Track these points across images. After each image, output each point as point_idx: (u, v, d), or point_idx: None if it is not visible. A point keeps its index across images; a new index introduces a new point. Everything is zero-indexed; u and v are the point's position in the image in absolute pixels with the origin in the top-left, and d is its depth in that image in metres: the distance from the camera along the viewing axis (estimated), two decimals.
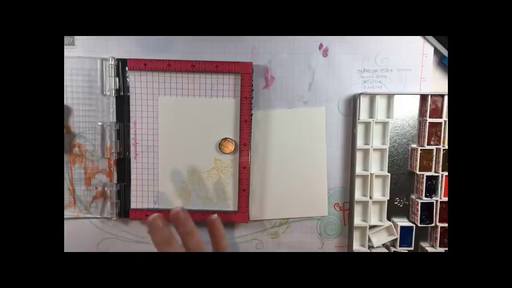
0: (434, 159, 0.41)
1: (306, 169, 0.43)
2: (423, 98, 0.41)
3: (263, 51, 0.41)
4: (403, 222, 0.43)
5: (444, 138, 0.41)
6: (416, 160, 0.41)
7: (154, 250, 0.32)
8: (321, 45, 0.41)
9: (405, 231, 0.42)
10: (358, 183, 0.42)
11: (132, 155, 0.43)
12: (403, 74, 0.42)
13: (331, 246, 0.44)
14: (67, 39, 0.41)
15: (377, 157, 0.42)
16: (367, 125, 0.42)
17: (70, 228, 0.43)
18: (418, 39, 0.41)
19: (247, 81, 0.41)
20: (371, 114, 0.42)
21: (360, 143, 0.42)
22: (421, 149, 0.41)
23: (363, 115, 0.42)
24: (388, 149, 0.42)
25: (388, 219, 0.43)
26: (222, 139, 0.42)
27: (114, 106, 0.42)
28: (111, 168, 0.43)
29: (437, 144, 0.41)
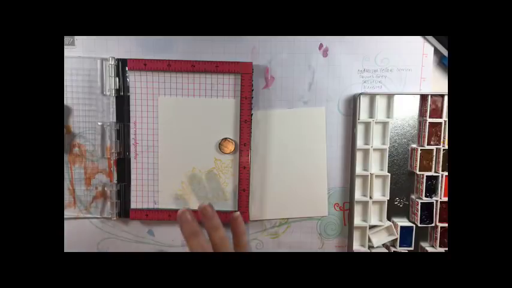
0: (434, 159, 0.41)
1: (306, 169, 0.43)
2: (423, 98, 0.41)
3: (263, 51, 0.41)
4: (403, 222, 0.43)
5: (444, 138, 0.41)
6: (416, 160, 0.41)
7: (184, 243, 0.34)
8: (321, 45, 0.41)
9: (405, 231, 0.42)
10: (358, 183, 0.42)
11: (132, 155, 0.43)
12: (403, 74, 0.42)
13: (331, 246, 0.44)
14: (67, 39, 0.41)
15: (377, 157, 0.42)
16: (367, 125, 0.42)
17: (70, 228, 0.43)
18: (418, 39, 0.41)
19: (247, 81, 0.41)
20: (371, 114, 0.42)
21: (360, 143, 0.42)
22: (421, 149, 0.41)
23: (363, 115, 0.42)
24: (388, 149, 0.42)
25: (388, 219, 0.43)
26: (222, 139, 0.42)
27: (114, 106, 0.42)
28: (111, 168, 0.43)
29: (437, 144, 0.41)
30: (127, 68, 0.41)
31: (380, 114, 0.41)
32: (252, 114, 0.41)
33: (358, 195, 0.43)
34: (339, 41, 0.41)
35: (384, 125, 0.42)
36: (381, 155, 0.42)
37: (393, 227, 0.42)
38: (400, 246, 0.42)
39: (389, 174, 0.42)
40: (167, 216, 0.42)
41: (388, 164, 0.42)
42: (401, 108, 0.42)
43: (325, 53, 0.42)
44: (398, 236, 0.42)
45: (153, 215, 0.43)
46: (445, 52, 0.40)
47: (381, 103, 0.41)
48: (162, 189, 0.43)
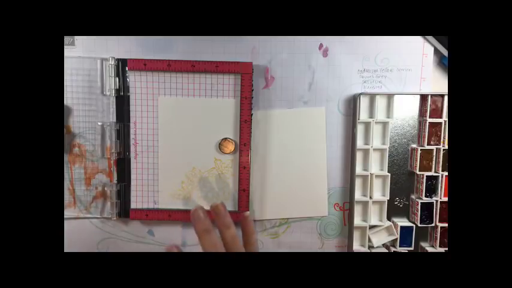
0: (434, 159, 0.41)
1: (306, 169, 0.43)
2: (423, 98, 0.41)
3: (263, 51, 0.41)
4: (403, 222, 0.43)
5: (444, 138, 0.41)
6: (416, 160, 0.41)
7: (196, 240, 0.35)
8: (321, 45, 0.41)
9: (405, 231, 0.42)
10: (358, 183, 0.42)
11: (132, 155, 0.43)
12: (403, 74, 0.42)
13: (331, 246, 0.44)
14: (67, 39, 0.41)
15: (377, 157, 0.42)
16: (367, 125, 0.42)
17: (70, 228, 0.43)
18: (418, 39, 0.41)
19: (247, 81, 0.41)
20: (371, 114, 0.42)
21: (360, 143, 0.42)
22: (421, 149, 0.41)
23: (363, 115, 0.42)
24: (388, 149, 0.42)
25: (388, 219, 0.43)
26: (222, 139, 0.42)
27: (114, 106, 0.42)
28: (111, 168, 0.43)
29: (437, 144, 0.41)
30: (127, 68, 0.41)
31: (380, 114, 0.41)
32: (252, 114, 0.41)
33: (358, 195, 0.43)
34: (339, 41, 0.41)
35: (384, 125, 0.42)
36: (380, 155, 0.42)
37: (393, 227, 0.42)
38: (400, 246, 0.42)
39: (389, 174, 0.42)
40: (167, 216, 0.42)
41: (388, 164, 0.42)
42: (401, 108, 0.42)
43: (325, 53, 0.42)
44: (398, 236, 0.42)
45: (153, 215, 0.43)
46: (445, 52, 0.40)
47: (380, 103, 0.41)
48: (162, 189, 0.43)
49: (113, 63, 0.40)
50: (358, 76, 0.42)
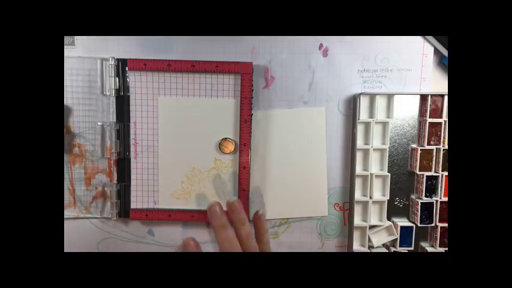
0: (434, 159, 0.41)
1: (306, 169, 0.43)
2: (423, 98, 0.41)
3: (263, 51, 0.41)
4: (403, 222, 0.43)
5: (444, 138, 0.41)
6: (416, 160, 0.41)
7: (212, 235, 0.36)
8: (321, 45, 0.41)
9: (405, 231, 0.42)
10: (358, 183, 0.42)
11: (132, 155, 0.43)
12: (403, 74, 0.42)
13: (331, 246, 0.44)
14: (67, 39, 0.41)
15: (377, 157, 0.42)
16: (367, 125, 0.42)
17: (70, 228, 0.43)
18: (418, 39, 0.41)
19: (247, 81, 0.41)
20: (371, 114, 0.42)
21: (360, 143, 0.42)
22: (421, 149, 0.41)
23: (363, 115, 0.42)
24: (388, 149, 0.42)
25: (388, 219, 0.43)
26: (222, 139, 0.42)
27: (114, 106, 0.42)
28: (111, 168, 0.43)
29: (437, 144, 0.41)
30: (127, 68, 0.41)
31: (380, 114, 0.41)
32: (252, 114, 0.41)
33: (358, 195, 0.43)
34: (339, 41, 0.41)
35: (384, 125, 0.42)
36: (380, 155, 0.42)
37: (393, 227, 0.42)
38: (400, 246, 0.42)
39: (389, 174, 0.42)
40: (167, 216, 0.42)
41: (388, 164, 0.42)
42: (401, 108, 0.42)
43: (325, 53, 0.42)
44: (398, 236, 0.42)
45: (153, 215, 0.43)
46: (445, 52, 0.40)
47: (380, 103, 0.41)
48: (162, 189, 0.43)
49: (112, 63, 0.40)
50: (358, 76, 0.42)
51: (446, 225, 0.42)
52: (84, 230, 0.44)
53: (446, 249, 0.42)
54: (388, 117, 0.42)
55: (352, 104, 0.42)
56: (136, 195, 0.43)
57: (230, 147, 0.42)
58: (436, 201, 0.41)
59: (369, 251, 0.43)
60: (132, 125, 0.42)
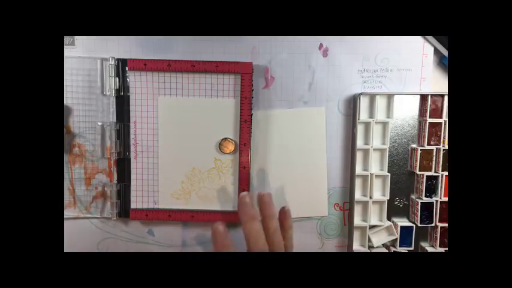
0: (434, 159, 0.41)
1: (306, 169, 0.43)
2: (423, 98, 0.41)
3: (263, 51, 0.41)
4: (403, 222, 0.43)
5: (444, 138, 0.41)
6: (416, 160, 0.41)
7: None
8: (321, 45, 0.41)
9: (405, 231, 0.42)
10: (358, 183, 0.42)
11: (132, 155, 0.43)
12: (403, 74, 0.42)
13: (331, 246, 0.44)
14: (67, 39, 0.41)
15: (377, 157, 0.42)
16: (367, 125, 0.42)
17: (70, 228, 0.43)
18: (418, 39, 0.41)
19: (247, 81, 0.41)
20: (371, 114, 0.42)
21: (360, 143, 0.42)
22: (421, 149, 0.41)
23: (363, 115, 0.42)
24: (388, 149, 0.42)
25: (388, 219, 0.43)
26: (222, 139, 0.42)
27: (114, 106, 0.42)
28: (111, 168, 0.43)
29: (437, 144, 0.41)
30: (127, 68, 0.41)
31: (380, 114, 0.41)
32: (252, 114, 0.41)
33: (358, 195, 0.43)
34: (339, 41, 0.41)
35: (384, 125, 0.42)
36: (380, 155, 0.42)
37: (393, 227, 0.42)
38: (400, 246, 0.42)
39: (389, 174, 0.42)
40: (167, 216, 0.42)
41: (388, 164, 0.42)
42: (401, 108, 0.42)
43: (325, 53, 0.42)
44: (398, 236, 0.42)
45: (153, 215, 0.43)
46: (445, 52, 0.40)
47: (381, 103, 0.41)
48: (162, 189, 0.43)
49: (112, 63, 0.40)
50: (358, 76, 0.42)
51: (446, 225, 0.42)
52: (84, 230, 0.44)
53: (446, 249, 0.42)
54: (388, 117, 0.42)
55: (352, 104, 0.42)
56: (136, 195, 0.43)
57: (230, 147, 0.42)
58: (436, 201, 0.41)
59: (369, 251, 0.43)
60: (132, 125, 0.42)
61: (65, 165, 0.43)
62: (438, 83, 0.42)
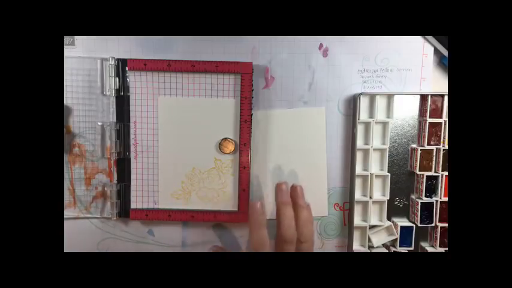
0: (434, 159, 0.41)
1: (306, 169, 0.43)
2: (423, 98, 0.41)
3: (263, 51, 0.41)
4: (403, 222, 0.43)
5: (444, 138, 0.41)
6: (416, 160, 0.41)
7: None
8: (321, 45, 0.41)
9: (405, 231, 0.42)
10: (358, 183, 0.42)
11: (132, 155, 0.43)
12: (403, 74, 0.42)
13: (331, 246, 0.44)
14: (67, 39, 0.41)
15: (377, 157, 0.42)
16: (367, 125, 0.42)
17: (70, 228, 0.43)
18: (418, 39, 0.41)
19: (247, 81, 0.41)
20: (371, 114, 0.42)
21: (360, 143, 0.42)
22: (421, 149, 0.41)
23: (363, 115, 0.42)
24: (388, 149, 0.42)
25: (388, 219, 0.43)
26: (222, 139, 0.42)
27: (114, 106, 0.42)
28: (111, 168, 0.43)
29: (437, 144, 0.41)
30: (127, 68, 0.41)
31: (380, 114, 0.41)
32: (252, 114, 0.41)
33: (358, 195, 0.43)
34: (339, 41, 0.41)
35: (384, 125, 0.42)
36: (380, 155, 0.42)
37: (393, 227, 0.42)
38: (400, 246, 0.42)
39: (389, 174, 0.42)
40: (167, 216, 0.42)
41: (388, 164, 0.42)
42: (401, 108, 0.42)
43: (325, 53, 0.42)
44: (398, 236, 0.42)
45: (153, 215, 0.43)
46: (445, 52, 0.40)
47: (381, 103, 0.41)
48: (162, 189, 0.43)
49: (112, 63, 0.40)
50: (358, 76, 0.42)
51: (446, 225, 0.42)
52: (84, 230, 0.44)
53: (446, 249, 0.42)
54: (388, 117, 0.42)
55: (352, 104, 0.42)
56: (136, 195, 0.43)
57: (230, 147, 0.42)
58: (436, 201, 0.41)
59: (369, 251, 0.43)
60: (132, 125, 0.42)
61: (65, 165, 0.43)
62: (438, 83, 0.42)
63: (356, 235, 0.43)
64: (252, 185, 0.43)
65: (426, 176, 0.41)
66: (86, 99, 0.42)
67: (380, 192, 0.43)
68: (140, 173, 0.43)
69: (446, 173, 0.41)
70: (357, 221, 0.43)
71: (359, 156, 0.42)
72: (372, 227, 0.42)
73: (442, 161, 0.41)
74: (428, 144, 0.41)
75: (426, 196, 0.41)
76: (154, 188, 0.43)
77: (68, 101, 0.42)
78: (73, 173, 0.43)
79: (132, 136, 0.42)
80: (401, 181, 0.43)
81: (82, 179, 0.43)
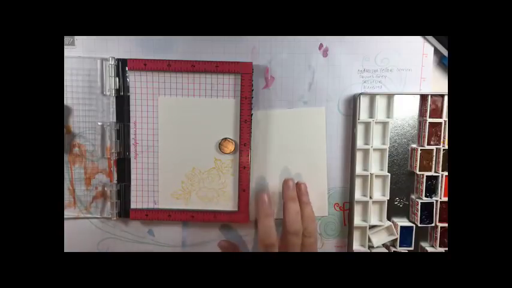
0: (434, 159, 0.41)
1: (306, 169, 0.43)
2: (423, 98, 0.41)
3: (263, 51, 0.41)
4: (403, 222, 0.43)
5: (444, 138, 0.41)
6: (416, 160, 0.41)
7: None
8: (321, 45, 0.41)
9: (405, 231, 0.42)
10: (358, 183, 0.42)
11: (132, 155, 0.43)
12: (403, 74, 0.42)
13: (331, 246, 0.44)
14: (67, 39, 0.41)
15: (377, 157, 0.42)
16: (367, 125, 0.42)
17: (70, 228, 0.43)
18: (418, 39, 0.41)
19: (247, 81, 0.41)
20: (371, 114, 0.42)
21: (360, 143, 0.42)
22: (421, 149, 0.41)
23: (363, 115, 0.42)
24: (388, 149, 0.42)
25: (388, 219, 0.43)
26: (222, 139, 0.42)
27: (114, 106, 0.42)
28: (111, 168, 0.43)
29: (437, 144, 0.41)
30: (127, 68, 0.41)
31: (380, 114, 0.41)
32: (252, 114, 0.41)
33: (358, 195, 0.43)
34: (339, 41, 0.41)
35: (384, 125, 0.42)
36: (380, 155, 0.42)
37: (393, 227, 0.42)
38: (400, 246, 0.42)
39: (389, 174, 0.42)
40: (167, 216, 0.42)
41: (388, 164, 0.42)
42: (401, 108, 0.42)
43: (325, 53, 0.42)
44: (398, 236, 0.42)
45: (153, 215, 0.43)
46: (445, 52, 0.40)
47: (381, 103, 0.41)
48: (162, 189, 0.43)
49: (112, 63, 0.40)
50: (358, 76, 0.42)
51: (446, 225, 0.42)
52: (84, 230, 0.44)
53: (446, 249, 0.42)
54: (388, 117, 0.42)
55: (352, 104, 0.42)
56: (136, 195, 0.43)
57: (230, 147, 0.42)
58: (436, 201, 0.41)
59: (369, 251, 0.43)
60: (132, 125, 0.42)
61: (65, 165, 0.43)
62: (438, 83, 0.42)
63: (356, 235, 0.43)
64: (252, 185, 0.43)
65: (426, 176, 0.41)
66: (86, 99, 0.42)
67: (380, 192, 0.43)
68: (140, 173, 0.43)
69: (446, 173, 0.41)
70: (357, 221, 0.43)
71: (359, 156, 0.42)
72: (372, 227, 0.42)
73: (442, 161, 0.41)
74: (428, 144, 0.41)
75: (426, 196, 0.41)
76: (154, 188, 0.43)
77: (68, 101, 0.42)
78: (73, 173, 0.43)
79: (132, 136, 0.42)
80: (401, 181, 0.43)
81: (82, 179, 0.43)
